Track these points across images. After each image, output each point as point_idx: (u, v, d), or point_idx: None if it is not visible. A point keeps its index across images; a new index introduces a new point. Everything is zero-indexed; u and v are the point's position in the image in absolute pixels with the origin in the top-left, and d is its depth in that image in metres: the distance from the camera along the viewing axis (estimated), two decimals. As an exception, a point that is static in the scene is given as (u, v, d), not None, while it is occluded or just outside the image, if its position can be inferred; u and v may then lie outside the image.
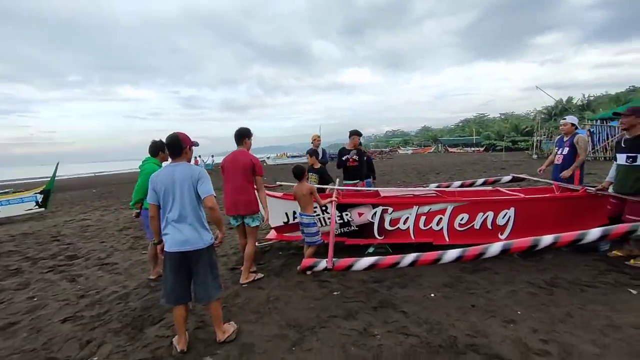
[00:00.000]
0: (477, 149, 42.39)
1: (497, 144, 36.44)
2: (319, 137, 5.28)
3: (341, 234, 3.99)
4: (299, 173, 3.55)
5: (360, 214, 3.91)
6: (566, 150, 4.17)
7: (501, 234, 3.74)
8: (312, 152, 4.85)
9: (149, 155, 3.61)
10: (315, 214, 3.67)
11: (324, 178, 4.67)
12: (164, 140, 2.62)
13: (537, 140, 22.49)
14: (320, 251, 3.67)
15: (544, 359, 1.97)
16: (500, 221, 3.72)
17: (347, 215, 3.93)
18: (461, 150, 43.29)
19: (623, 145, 3.28)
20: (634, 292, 2.69)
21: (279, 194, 4.26)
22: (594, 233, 2.75)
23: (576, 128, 4.26)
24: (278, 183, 5.88)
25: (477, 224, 3.75)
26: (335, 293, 3.06)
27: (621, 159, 3.28)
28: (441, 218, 3.80)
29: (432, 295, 2.90)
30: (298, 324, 2.55)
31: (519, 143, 34.19)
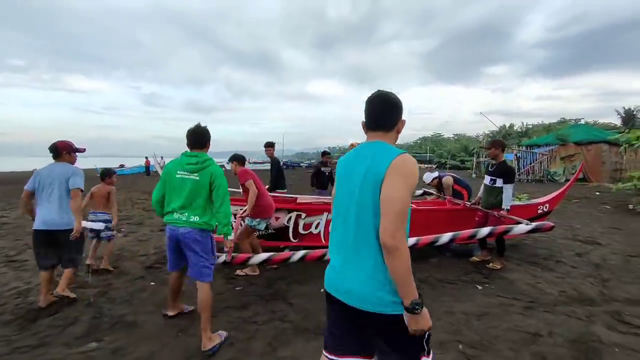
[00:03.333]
0: (429, 165, 45.36)
1: (448, 162, 39.33)
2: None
3: (260, 237, 4.22)
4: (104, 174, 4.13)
5: (277, 219, 4.22)
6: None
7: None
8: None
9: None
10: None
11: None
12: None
13: (477, 162, 24.78)
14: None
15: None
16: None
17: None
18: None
19: (490, 170, 4.01)
20: (479, 287, 3.31)
21: None
22: (445, 237, 3.01)
23: (439, 180, 5.29)
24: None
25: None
26: (237, 288, 3.35)
27: (487, 180, 4.02)
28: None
29: (322, 290, 3.29)
30: (192, 314, 2.79)
31: (466, 162, 37.24)
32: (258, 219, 3.70)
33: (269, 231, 4.22)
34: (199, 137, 2.49)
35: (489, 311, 2.81)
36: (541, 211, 4.72)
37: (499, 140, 4.04)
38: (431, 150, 53.62)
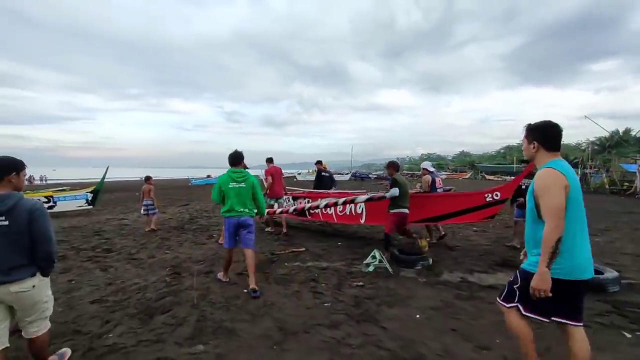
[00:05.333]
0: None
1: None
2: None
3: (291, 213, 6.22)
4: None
5: (300, 203, 6.82)
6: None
7: (361, 219, 5.86)
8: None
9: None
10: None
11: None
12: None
13: (583, 173, 21.01)
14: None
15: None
16: (358, 210, 5.87)
17: (295, 203, 6.99)
18: (499, 178, 41.27)
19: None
20: (627, 335, 2.62)
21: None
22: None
23: (429, 172, 6.00)
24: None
25: (347, 211, 6.03)
26: (326, 304, 3.27)
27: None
28: (330, 208, 6.05)
29: (417, 316, 3.01)
30: (285, 328, 2.80)
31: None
32: (269, 198, 6.49)
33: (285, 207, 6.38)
34: (238, 159, 3.84)
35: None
36: (490, 199, 4.83)
37: None
38: (519, 161, 47.65)
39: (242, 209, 3.68)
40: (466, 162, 65.84)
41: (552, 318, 1.78)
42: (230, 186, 3.67)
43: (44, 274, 2.04)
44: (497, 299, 2.00)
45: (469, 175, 48.66)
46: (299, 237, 6.40)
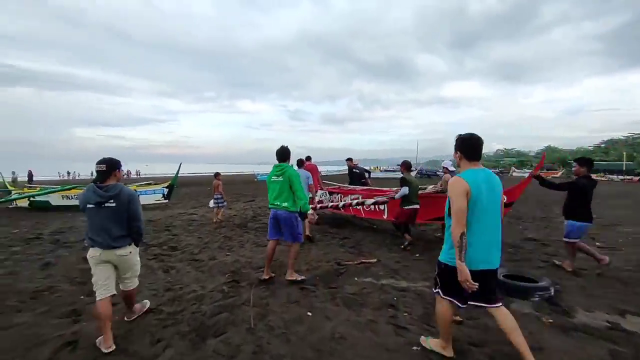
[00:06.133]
0: (630, 177, 33.07)
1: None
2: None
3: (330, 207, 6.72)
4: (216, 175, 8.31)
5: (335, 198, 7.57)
6: None
7: (383, 215, 6.33)
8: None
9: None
10: None
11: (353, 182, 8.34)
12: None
13: None
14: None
15: None
16: (380, 208, 6.35)
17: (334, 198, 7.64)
18: (603, 178, 34.55)
19: None
20: None
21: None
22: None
23: (450, 171, 5.72)
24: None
25: (371, 208, 6.48)
26: (414, 348, 2.46)
27: None
28: (358, 203, 6.41)
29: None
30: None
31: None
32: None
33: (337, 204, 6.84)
34: (281, 155, 3.83)
35: None
36: None
37: None
38: (629, 157, 39.29)
39: (277, 203, 3.71)
40: (555, 159, 56.87)
41: (469, 302, 2.12)
42: (271, 180, 3.79)
43: (136, 244, 2.69)
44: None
45: (560, 173, 41.58)
46: (366, 243, 5.62)
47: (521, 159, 69.74)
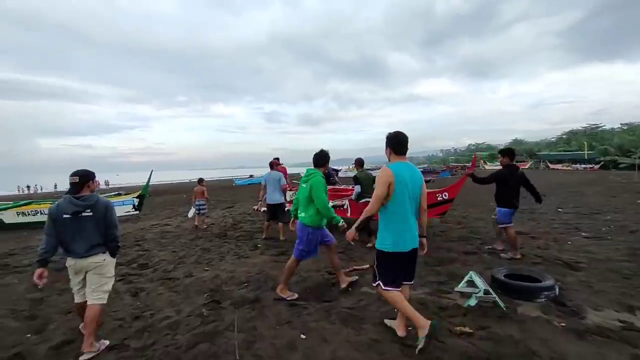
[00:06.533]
0: (591, 166, 35.08)
1: (621, 161, 29.48)
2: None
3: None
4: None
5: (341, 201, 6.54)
6: None
7: (347, 213, 6.24)
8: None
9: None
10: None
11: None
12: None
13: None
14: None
15: None
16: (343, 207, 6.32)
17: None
18: (568, 168, 36.47)
19: None
20: None
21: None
22: None
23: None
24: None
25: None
26: (426, 371, 2.16)
27: None
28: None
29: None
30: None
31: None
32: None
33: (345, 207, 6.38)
34: (315, 159, 3.53)
35: None
36: (441, 199, 5.55)
37: None
38: (589, 147, 41.71)
39: (300, 212, 3.47)
40: (523, 151, 59.51)
41: (402, 283, 2.49)
42: (301, 186, 3.51)
43: (112, 255, 2.69)
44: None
45: (529, 165, 43.47)
46: (355, 248, 5.30)
47: (492, 153, 72.52)
